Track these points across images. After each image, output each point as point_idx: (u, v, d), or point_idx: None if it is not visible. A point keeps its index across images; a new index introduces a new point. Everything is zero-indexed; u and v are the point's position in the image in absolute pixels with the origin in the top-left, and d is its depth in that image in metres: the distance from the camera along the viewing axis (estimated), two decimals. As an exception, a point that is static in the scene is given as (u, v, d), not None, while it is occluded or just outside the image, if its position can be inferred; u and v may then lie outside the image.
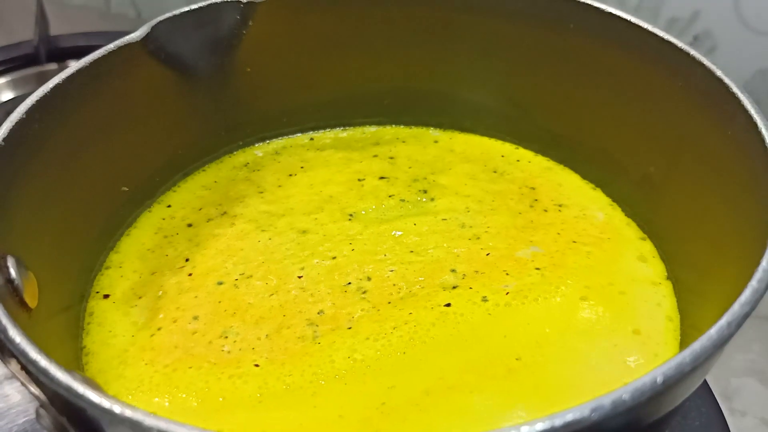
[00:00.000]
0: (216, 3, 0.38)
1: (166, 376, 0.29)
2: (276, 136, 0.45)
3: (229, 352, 0.30)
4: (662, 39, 0.34)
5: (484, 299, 0.32)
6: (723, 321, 0.22)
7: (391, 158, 0.42)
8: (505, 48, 0.41)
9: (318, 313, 0.32)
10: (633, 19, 0.35)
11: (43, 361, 0.22)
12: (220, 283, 0.33)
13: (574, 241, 0.36)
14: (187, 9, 0.37)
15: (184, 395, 0.28)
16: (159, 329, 0.32)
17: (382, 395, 0.28)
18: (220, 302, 0.32)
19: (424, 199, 0.38)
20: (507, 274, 0.34)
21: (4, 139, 0.30)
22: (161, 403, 0.28)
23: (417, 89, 0.44)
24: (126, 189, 0.38)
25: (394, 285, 0.33)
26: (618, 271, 0.34)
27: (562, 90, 0.40)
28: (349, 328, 0.31)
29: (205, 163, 0.43)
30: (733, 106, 0.31)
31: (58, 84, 0.33)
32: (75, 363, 0.31)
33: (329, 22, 0.41)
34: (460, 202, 0.38)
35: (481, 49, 0.42)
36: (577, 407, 0.19)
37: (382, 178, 0.40)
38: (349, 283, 0.33)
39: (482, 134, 0.45)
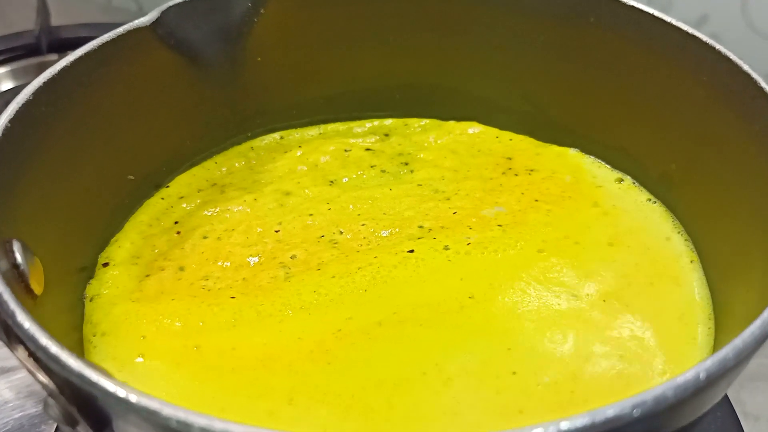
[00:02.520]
0: (228, -10, 0.37)
1: (152, 308, 0.32)
2: (285, 128, 0.44)
3: (209, 290, 0.33)
4: (687, 33, 0.33)
5: (446, 248, 0.35)
6: (765, 315, 0.21)
7: (386, 135, 0.43)
8: (520, 43, 0.40)
9: (291, 258, 0.34)
10: (657, 13, 0.34)
11: (53, 347, 0.21)
12: (205, 237, 0.36)
13: (536, 200, 0.38)
14: (198, -5, 0.36)
15: (168, 321, 0.31)
16: (147, 276, 0.34)
17: (339, 324, 0.31)
18: (203, 252, 0.35)
19: (404, 171, 0.40)
20: (470, 228, 0.36)
21: (11, 120, 0.29)
22: (149, 329, 0.31)
23: (429, 84, 0.44)
24: (132, 178, 0.38)
25: (364, 237, 0.36)
26: (574, 225, 0.36)
27: (579, 86, 0.40)
28: (318, 269, 0.34)
29: (212, 154, 0.42)
30: (760, 101, 0.30)
31: (66, 66, 0.32)
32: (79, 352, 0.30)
33: (341, 14, 0.41)
34: (437, 171, 0.40)
35: (496, 44, 0.41)
36: (619, 403, 0.18)
37: (368, 150, 0.41)
38: (323, 236, 0.36)
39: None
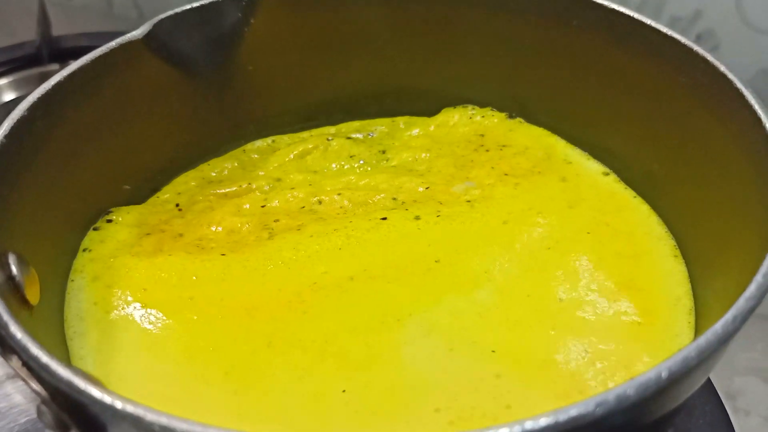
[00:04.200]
0: (218, 1, 0.38)
1: (150, 262, 0.35)
2: (277, 134, 0.44)
3: (202, 248, 0.36)
4: (665, 35, 0.34)
5: (417, 218, 0.37)
6: (728, 316, 0.22)
7: (370, 135, 0.45)
8: (507, 45, 0.41)
9: (274, 221, 0.38)
10: (636, 16, 0.35)
11: (44, 357, 0.21)
12: (201, 211, 0.39)
13: (506, 174, 0.40)
14: (189, 7, 0.37)
15: (164, 275, 0.35)
16: (147, 234, 0.37)
17: (315, 277, 0.34)
18: (199, 220, 0.38)
19: (381, 159, 0.43)
20: (440, 203, 0.38)
21: (6, 137, 0.30)
22: (148, 282, 0.34)
23: (419, 88, 0.44)
24: (128, 188, 0.38)
25: (340, 207, 0.39)
26: (539, 196, 0.38)
27: (564, 87, 0.40)
28: (298, 229, 0.37)
29: (205, 160, 0.42)
30: (737, 102, 0.31)
31: (60, 81, 0.33)
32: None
33: (331, 21, 0.41)
34: (411, 153, 0.42)
35: (483, 46, 0.42)
36: (582, 402, 0.19)
37: (352, 145, 0.43)
38: (303, 207, 0.39)
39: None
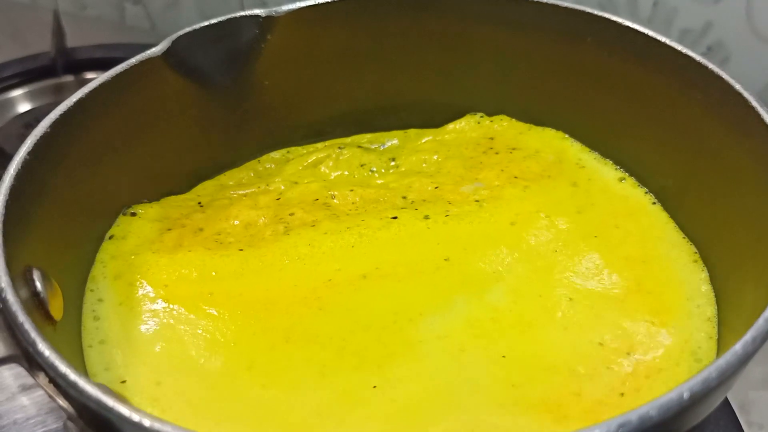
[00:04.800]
0: (235, 17, 0.38)
1: (171, 259, 0.36)
2: (293, 147, 0.45)
3: (221, 243, 0.37)
4: (680, 52, 0.34)
5: (426, 217, 0.38)
6: (748, 336, 0.22)
7: (382, 146, 0.46)
8: (521, 61, 0.41)
9: (290, 215, 0.39)
10: (651, 33, 0.35)
11: (72, 375, 0.22)
12: (221, 206, 0.40)
13: (516, 177, 0.40)
14: (207, 23, 0.38)
15: (185, 271, 0.35)
16: (169, 230, 0.38)
17: (329, 274, 0.35)
18: (218, 215, 0.39)
19: (391, 170, 0.43)
20: (449, 203, 0.39)
21: (29, 153, 0.30)
22: (169, 278, 0.35)
23: (433, 102, 0.45)
24: (146, 200, 0.39)
25: (353, 203, 0.40)
26: (548, 200, 0.39)
27: (577, 102, 0.41)
28: (313, 225, 0.38)
29: (222, 172, 0.43)
30: (751, 119, 0.31)
31: (81, 98, 0.33)
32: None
33: (346, 36, 0.42)
34: (420, 156, 0.43)
35: (497, 62, 0.42)
36: (604, 423, 0.19)
37: (360, 147, 0.44)
38: (317, 200, 0.40)
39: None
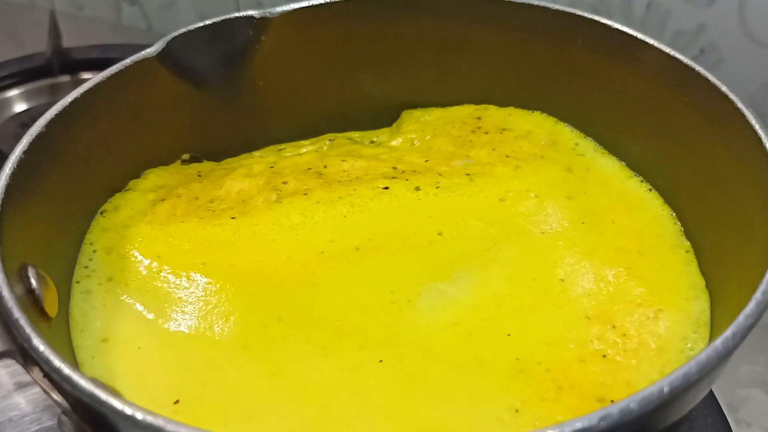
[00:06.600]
0: (230, 18, 0.39)
1: (162, 231, 0.36)
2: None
3: (213, 211, 0.37)
4: (668, 55, 0.35)
5: (417, 188, 0.38)
6: (728, 332, 0.22)
7: (372, 142, 0.45)
8: (513, 62, 0.42)
9: (282, 183, 0.39)
10: (640, 36, 0.36)
11: (66, 369, 0.22)
12: (218, 177, 0.40)
13: (507, 156, 0.40)
14: (201, 24, 0.38)
15: (177, 242, 0.35)
16: (162, 200, 0.38)
17: (322, 245, 0.35)
18: (215, 185, 0.39)
19: (381, 145, 0.44)
20: (440, 175, 0.39)
21: (25, 152, 0.31)
22: (161, 250, 0.35)
23: (427, 103, 0.45)
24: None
25: (344, 171, 0.40)
26: (539, 181, 0.38)
27: (568, 105, 0.41)
28: (305, 194, 0.37)
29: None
30: (738, 122, 0.31)
31: (77, 98, 0.34)
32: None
33: (340, 38, 0.42)
34: (408, 137, 0.43)
35: (489, 63, 0.43)
36: (585, 416, 0.20)
37: (349, 139, 0.44)
38: (309, 169, 0.40)
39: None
